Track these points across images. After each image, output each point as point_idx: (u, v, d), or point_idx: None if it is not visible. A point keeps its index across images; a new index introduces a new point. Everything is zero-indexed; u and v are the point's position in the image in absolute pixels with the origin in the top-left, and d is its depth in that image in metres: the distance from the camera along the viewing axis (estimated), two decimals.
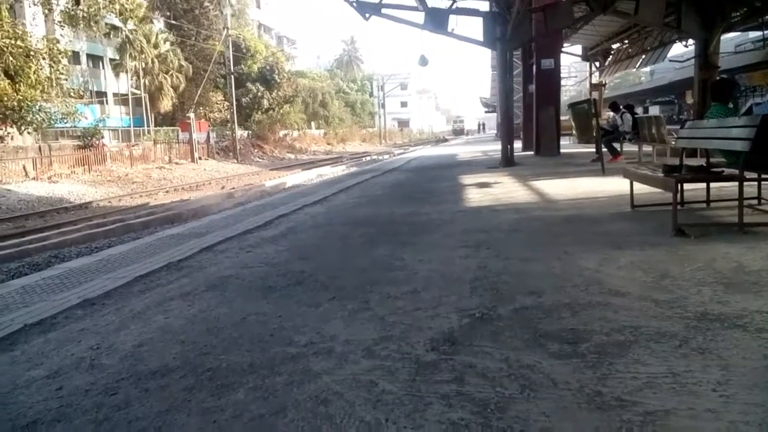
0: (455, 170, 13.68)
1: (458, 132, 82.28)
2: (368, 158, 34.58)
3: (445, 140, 62.59)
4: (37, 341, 2.97)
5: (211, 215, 9.07)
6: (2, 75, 20.97)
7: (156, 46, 40.37)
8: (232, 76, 36.51)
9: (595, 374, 2.20)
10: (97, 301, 3.65)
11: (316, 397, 2.14)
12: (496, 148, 18.52)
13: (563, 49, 21.06)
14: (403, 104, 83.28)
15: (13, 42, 21.97)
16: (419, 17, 13.25)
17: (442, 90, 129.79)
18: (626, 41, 22.26)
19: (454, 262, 4.20)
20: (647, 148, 11.94)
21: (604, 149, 11.60)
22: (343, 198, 9.15)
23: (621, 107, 13.45)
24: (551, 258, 4.13)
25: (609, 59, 25.22)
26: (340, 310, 3.18)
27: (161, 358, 2.61)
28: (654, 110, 42.61)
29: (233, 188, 20.37)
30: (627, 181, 6.16)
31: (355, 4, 13.22)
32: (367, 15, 13.28)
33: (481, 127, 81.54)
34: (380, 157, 33.10)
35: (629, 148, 13.59)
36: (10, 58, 21.67)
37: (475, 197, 8.23)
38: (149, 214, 13.61)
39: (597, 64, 25.90)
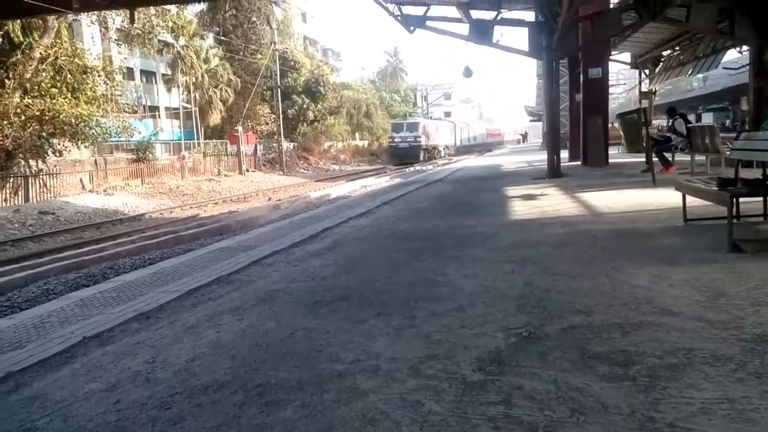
0: (500, 181, 13.57)
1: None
2: (411, 169, 34.62)
3: (489, 150, 62.10)
4: (96, 354, 3.10)
5: (258, 228, 9.26)
6: (62, 92, 21.98)
7: (206, 61, 41.58)
8: (279, 89, 37.27)
9: (647, 398, 2.15)
10: (151, 314, 3.78)
11: (363, 416, 2.16)
12: (541, 158, 18.27)
13: (611, 57, 20.67)
14: (447, 114, 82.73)
15: (71, 59, 23.05)
16: (464, 28, 13.26)
17: (485, 99, 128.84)
18: (677, 48, 21.63)
19: (499, 277, 4.17)
20: (700, 158, 11.56)
21: (655, 159, 11.29)
22: (387, 210, 9.19)
23: (677, 113, 13.01)
24: (600, 274, 4.05)
25: (659, 66, 24.56)
26: (386, 327, 3.20)
27: (213, 373, 2.69)
28: (707, 117, 41.13)
29: (279, 200, 20.74)
30: (679, 194, 5.98)
31: (399, 18, 13.32)
32: (412, 28, 13.37)
33: (523, 136, 79.22)
34: (424, 168, 33.10)
35: (681, 157, 13.19)
36: (69, 76, 22.74)
37: (520, 210, 8.15)
38: (199, 225, 14.00)
39: (647, 71, 25.26)
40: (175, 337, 3.28)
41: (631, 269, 4.13)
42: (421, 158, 45.08)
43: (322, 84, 47.69)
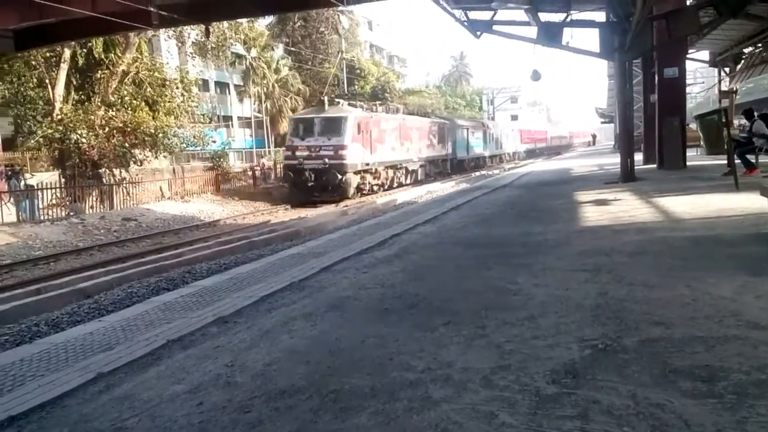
0: (569, 186, 13.23)
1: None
2: (477, 174, 34.28)
3: (558, 153, 60.55)
4: (179, 357, 3.26)
5: (327, 234, 9.44)
6: (143, 104, 23.28)
7: (277, 71, 42.85)
8: (346, 97, 37.89)
9: (734, 417, 2.06)
10: (229, 319, 3.94)
11: (436, 426, 2.18)
12: (613, 161, 17.67)
13: (688, 56, 19.74)
14: (513, 117, 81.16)
15: (151, 73, 24.36)
16: (532, 31, 13.06)
17: (553, 101, 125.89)
18: (760, 45, 20.41)
19: (572, 286, 4.08)
20: None
21: (737, 161, 10.70)
22: (454, 217, 9.16)
23: (755, 114, 12.31)
24: (680, 284, 3.88)
25: (740, 64, 23.26)
26: (456, 336, 3.20)
27: (289, 378, 2.77)
28: None
29: (346, 206, 21.02)
30: (764, 198, 5.65)
31: (466, 24, 13.29)
32: (479, 33, 13.31)
33: (593, 138, 76.18)
34: (490, 173, 32.71)
35: (765, 160, 12.42)
36: (149, 89, 24.04)
37: (592, 216, 7.92)
38: (270, 231, 14.41)
39: (727, 69, 23.98)
40: (252, 341, 3.40)
41: (714, 279, 3.94)
42: (366, 190, 25.03)
43: (388, 91, 48.14)
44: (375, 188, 25.74)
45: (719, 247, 5.08)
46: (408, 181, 29.10)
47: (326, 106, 24.25)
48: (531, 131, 65.53)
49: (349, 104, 25.99)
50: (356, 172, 23.54)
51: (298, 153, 23.48)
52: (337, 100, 27.25)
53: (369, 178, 25.02)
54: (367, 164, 24.38)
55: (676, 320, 3.15)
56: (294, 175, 23.37)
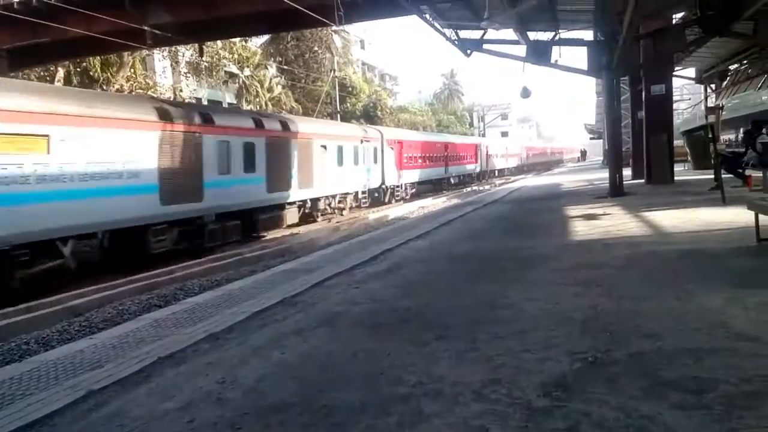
0: (559, 201, 13.31)
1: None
2: (468, 189, 34.41)
3: (548, 169, 60.97)
4: (170, 374, 3.24)
5: (319, 250, 9.43)
6: None
7: (270, 89, 42.99)
8: (338, 114, 38.09)
9: (723, 428, 2.08)
10: (221, 335, 3.93)
11: None
12: (601, 176, 17.82)
13: (675, 73, 20.04)
14: (504, 134, 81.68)
15: (145, 92, 24.42)
16: (521, 50, 13.23)
17: (543, 117, 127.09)
18: (745, 62, 20.78)
19: (562, 300, 4.10)
20: None
21: (727, 176, 10.81)
22: (446, 232, 9.19)
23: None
24: (669, 297, 3.92)
25: (726, 81, 23.63)
26: (447, 350, 3.21)
27: (280, 394, 2.77)
28: None
29: (338, 222, 21.02)
30: (751, 212, 5.72)
31: (456, 42, 13.45)
32: (469, 51, 13.47)
33: (582, 154, 76.77)
34: (481, 188, 32.84)
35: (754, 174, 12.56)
36: None
37: (582, 230, 7.98)
38: (262, 248, 14.35)
39: (713, 86, 24.35)
40: (243, 357, 3.40)
41: (703, 292, 3.98)
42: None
43: (380, 108, 48.42)
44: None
45: (707, 261, 5.13)
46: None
47: None
48: (531, 147, 65.36)
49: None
50: None
51: None
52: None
53: None
54: None
55: (665, 333, 3.18)
56: None
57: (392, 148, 25.58)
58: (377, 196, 24.47)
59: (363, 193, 22.85)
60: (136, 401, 2.86)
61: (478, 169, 39.98)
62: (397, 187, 26.39)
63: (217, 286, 7.63)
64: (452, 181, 34.86)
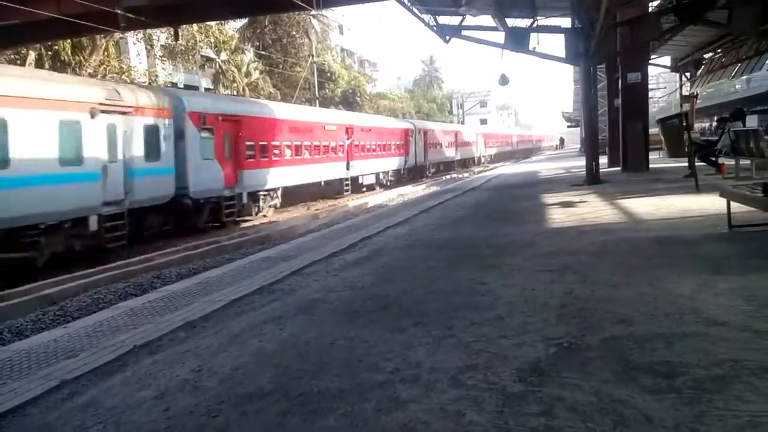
0: (537, 188, 13.43)
1: None
2: (448, 177, 34.52)
3: (527, 157, 61.38)
4: (146, 362, 3.21)
5: (298, 238, 9.40)
6: None
7: (247, 74, 42.40)
8: (317, 101, 37.80)
9: (693, 411, 2.13)
10: (197, 323, 3.90)
11: (403, 426, 2.20)
12: (579, 164, 18.00)
13: (651, 61, 20.27)
14: (483, 121, 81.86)
15: (119, 76, 23.90)
16: (499, 36, 13.25)
17: (522, 105, 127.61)
18: (719, 51, 21.10)
19: (538, 287, 4.15)
20: (745, 162, 11.20)
21: (701, 164, 10.99)
22: (425, 219, 9.22)
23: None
24: (642, 283, 3.99)
25: (701, 69, 23.98)
26: (425, 336, 3.23)
27: (257, 382, 2.76)
28: (752, 120, 39.75)
29: (318, 209, 20.94)
30: (723, 200, 5.83)
31: (435, 28, 13.41)
32: (447, 37, 13.44)
33: (561, 142, 77.30)
34: (461, 176, 32.96)
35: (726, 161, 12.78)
36: None
37: (558, 217, 8.06)
38: (241, 235, 14.25)
39: (687, 74, 24.70)
40: (220, 346, 3.38)
41: (675, 278, 4.06)
42: None
43: (359, 94, 48.18)
44: None
45: (680, 247, 5.22)
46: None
47: None
48: (497, 135, 59.90)
49: None
50: None
51: None
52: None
53: None
54: None
55: (638, 318, 3.24)
56: None
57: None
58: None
59: None
60: (111, 390, 2.83)
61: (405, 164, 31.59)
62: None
63: (195, 274, 7.59)
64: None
